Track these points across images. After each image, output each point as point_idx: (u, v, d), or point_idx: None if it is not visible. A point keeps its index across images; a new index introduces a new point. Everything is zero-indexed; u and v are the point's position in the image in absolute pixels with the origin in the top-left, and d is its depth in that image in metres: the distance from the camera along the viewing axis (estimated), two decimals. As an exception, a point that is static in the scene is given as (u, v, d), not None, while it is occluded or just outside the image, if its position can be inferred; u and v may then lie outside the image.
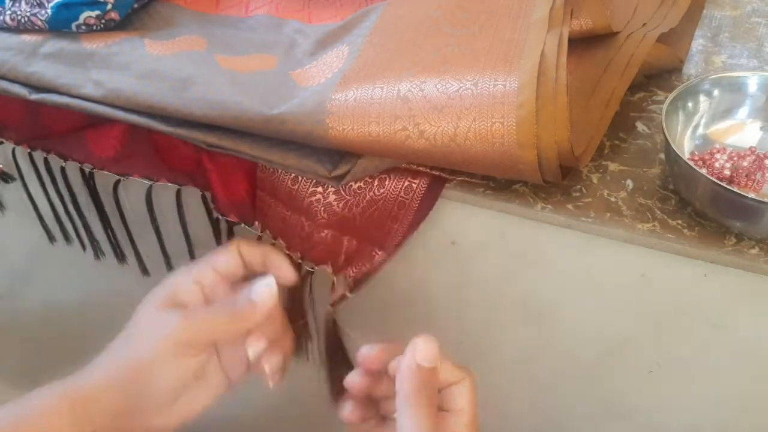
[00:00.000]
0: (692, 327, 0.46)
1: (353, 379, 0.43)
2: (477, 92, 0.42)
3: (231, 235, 0.56)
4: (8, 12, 0.54)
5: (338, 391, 0.49)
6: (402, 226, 0.48)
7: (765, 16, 0.64)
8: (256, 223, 0.54)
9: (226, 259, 0.47)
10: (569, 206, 0.45)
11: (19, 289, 0.85)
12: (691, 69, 0.57)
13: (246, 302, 0.44)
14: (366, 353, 0.42)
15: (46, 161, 0.60)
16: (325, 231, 0.50)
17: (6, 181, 0.65)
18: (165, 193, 0.57)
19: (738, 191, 0.40)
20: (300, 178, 0.49)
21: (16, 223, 0.71)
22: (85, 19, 0.53)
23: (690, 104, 0.48)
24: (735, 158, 0.45)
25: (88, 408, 0.42)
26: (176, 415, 0.44)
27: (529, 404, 0.59)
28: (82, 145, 0.56)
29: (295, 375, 0.49)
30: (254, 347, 0.45)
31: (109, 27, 0.55)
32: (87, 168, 0.57)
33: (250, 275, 0.47)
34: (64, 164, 0.58)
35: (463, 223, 0.48)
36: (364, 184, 0.48)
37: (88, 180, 0.58)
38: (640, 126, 0.51)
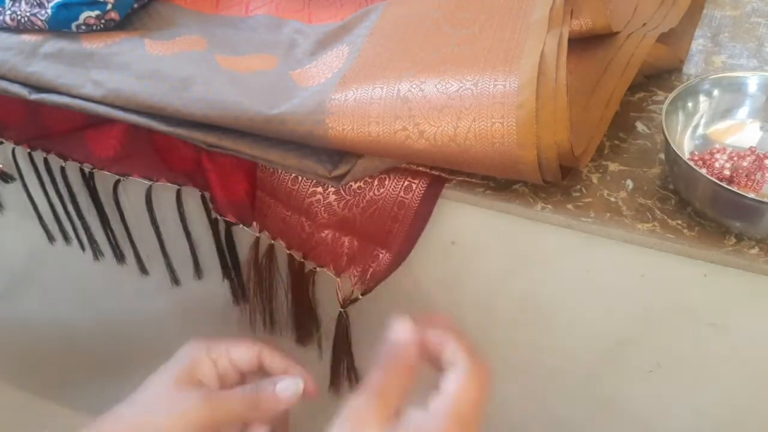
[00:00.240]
0: (692, 327, 0.46)
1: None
2: (477, 92, 0.42)
3: (229, 235, 0.56)
4: (8, 12, 0.54)
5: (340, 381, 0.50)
6: (403, 226, 0.48)
7: (765, 16, 0.64)
8: (254, 223, 0.54)
9: (246, 354, 0.47)
10: (569, 206, 0.45)
11: (19, 289, 0.85)
12: (691, 69, 0.57)
13: (270, 395, 0.45)
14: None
15: (46, 161, 0.60)
16: (326, 231, 0.50)
17: (6, 181, 0.65)
18: (165, 193, 0.57)
19: (738, 191, 0.40)
20: (300, 179, 0.49)
21: (16, 223, 0.71)
22: (85, 19, 0.53)
23: (690, 104, 0.48)
24: (735, 158, 0.45)
25: None
26: None
27: (529, 404, 0.59)
28: (82, 145, 0.56)
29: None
30: (288, 384, 0.46)
31: (109, 27, 0.55)
32: (87, 168, 0.57)
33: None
34: (64, 164, 0.58)
35: (463, 223, 0.48)
36: (364, 184, 0.48)
37: (88, 180, 0.58)
38: (640, 126, 0.51)
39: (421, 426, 0.39)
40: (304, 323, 0.58)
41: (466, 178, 0.47)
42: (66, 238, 0.68)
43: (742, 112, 0.48)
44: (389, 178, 0.48)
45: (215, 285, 0.61)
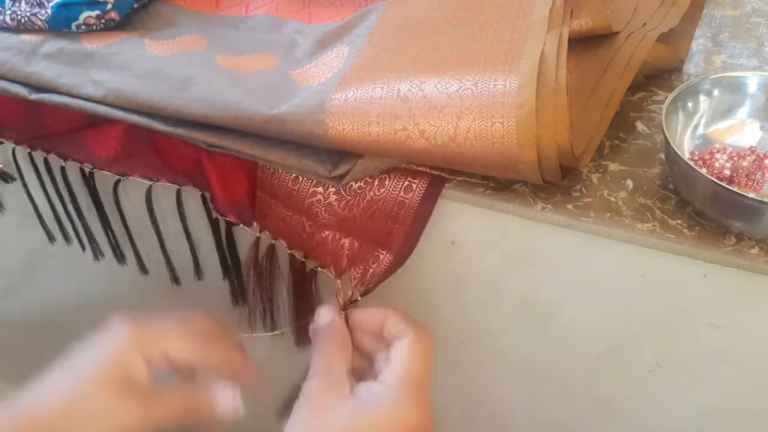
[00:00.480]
0: (692, 327, 0.46)
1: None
2: (477, 92, 0.42)
3: (229, 235, 0.56)
4: (8, 12, 0.54)
5: None
6: (403, 227, 0.48)
7: (765, 15, 0.64)
8: (255, 223, 0.54)
9: (182, 349, 0.45)
10: (569, 206, 0.45)
11: (19, 289, 0.85)
12: (691, 69, 0.57)
13: (208, 408, 0.44)
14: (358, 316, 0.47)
15: (46, 161, 0.60)
16: (326, 231, 0.50)
17: (6, 181, 0.65)
18: (165, 193, 0.57)
19: (738, 191, 0.40)
20: (300, 179, 0.49)
21: (16, 223, 0.71)
22: (85, 19, 0.53)
23: (690, 104, 0.48)
24: (735, 158, 0.45)
25: None
26: None
27: (528, 404, 0.59)
28: (82, 145, 0.56)
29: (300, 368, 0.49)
30: (226, 396, 0.45)
31: (109, 27, 0.55)
32: (87, 168, 0.57)
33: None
34: (64, 164, 0.58)
35: (463, 223, 0.48)
36: (364, 184, 0.48)
37: (88, 180, 0.58)
38: (640, 126, 0.51)
39: (378, 396, 0.40)
40: (304, 324, 0.58)
41: (466, 178, 0.47)
42: (66, 238, 0.68)
43: (742, 112, 0.48)
44: (389, 178, 0.48)
45: (215, 285, 0.61)
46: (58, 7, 0.52)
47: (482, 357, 0.57)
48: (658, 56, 0.54)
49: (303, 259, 0.53)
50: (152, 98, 0.48)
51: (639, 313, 0.47)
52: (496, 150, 0.41)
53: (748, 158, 0.45)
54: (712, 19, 0.63)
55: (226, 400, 0.45)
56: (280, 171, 0.50)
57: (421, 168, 0.47)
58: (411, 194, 0.47)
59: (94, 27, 0.54)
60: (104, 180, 0.58)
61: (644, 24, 0.56)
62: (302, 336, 0.59)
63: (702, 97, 0.48)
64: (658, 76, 0.56)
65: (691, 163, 0.42)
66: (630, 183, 0.47)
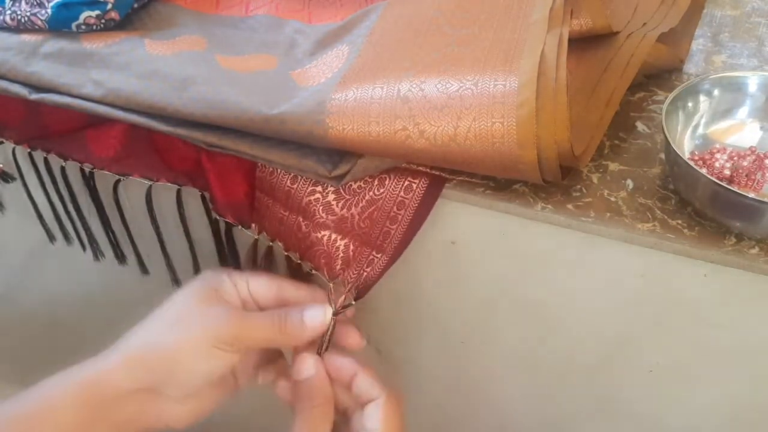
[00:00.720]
0: (692, 327, 0.46)
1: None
2: (477, 92, 0.42)
3: (229, 235, 0.56)
4: (8, 12, 0.54)
5: None
6: (401, 227, 0.48)
7: (765, 15, 0.64)
8: (253, 225, 0.54)
9: (266, 286, 0.47)
10: (569, 206, 0.45)
11: (19, 289, 0.85)
12: (691, 69, 0.57)
13: (298, 322, 0.44)
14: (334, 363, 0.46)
15: (46, 161, 0.60)
16: (322, 232, 0.50)
17: (6, 181, 0.65)
18: (165, 193, 0.57)
19: (738, 191, 0.40)
20: (299, 178, 0.49)
21: (16, 223, 0.71)
22: (85, 19, 0.53)
23: (690, 104, 0.48)
24: (735, 158, 0.45)
25: (101, 395, 0.41)
26: (188, 413, 0.44)
27: (529, 404, 0.59)
28: (82, 145, 0.56)
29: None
30: (316, 312, 0.45)
31: (109, 27, 0.55)
32: (87, 168, 0.57)
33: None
34: (64, 164, 0.58)
35: (463, 223, 0.48)
36: (363, 183, 0.48)
37: (88, 180, 0.58)
38: (640, 126, 0.51)
39: None
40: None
41: (466, 178, 0.47)
42: (66, 237, 0.68)
43: (743, 112, 0.48)
44: (389, 178, 0.48)
45: (215, 285, 0.61)
46: (58, 7, 0.52)
47: (482, 357, 0.57)
48: (658, 56, 0.54)
49: (299, 261, 0.52)
50: (152, 98, 0.48)
51: (639, 313, 0.47)
52: (496, 150, 0.41)
53: (748, 158, 0.45)
54: (712, 18, 0.63)
55: (317, 315, 0.45)
56: (278, 170, 0.50)
57: (421, 168, 0.47)
58: (411, 194, 0.47)
59: (94, 27, 0.54)
60: (104, 180, 0.58)
61: (644, 24, 0.56)
62: None
63: (702, 97, 0.48)
64: (658, 76, 0.56)
65: (691, 163, 0.42)
66: (630, 183, 0.47)
